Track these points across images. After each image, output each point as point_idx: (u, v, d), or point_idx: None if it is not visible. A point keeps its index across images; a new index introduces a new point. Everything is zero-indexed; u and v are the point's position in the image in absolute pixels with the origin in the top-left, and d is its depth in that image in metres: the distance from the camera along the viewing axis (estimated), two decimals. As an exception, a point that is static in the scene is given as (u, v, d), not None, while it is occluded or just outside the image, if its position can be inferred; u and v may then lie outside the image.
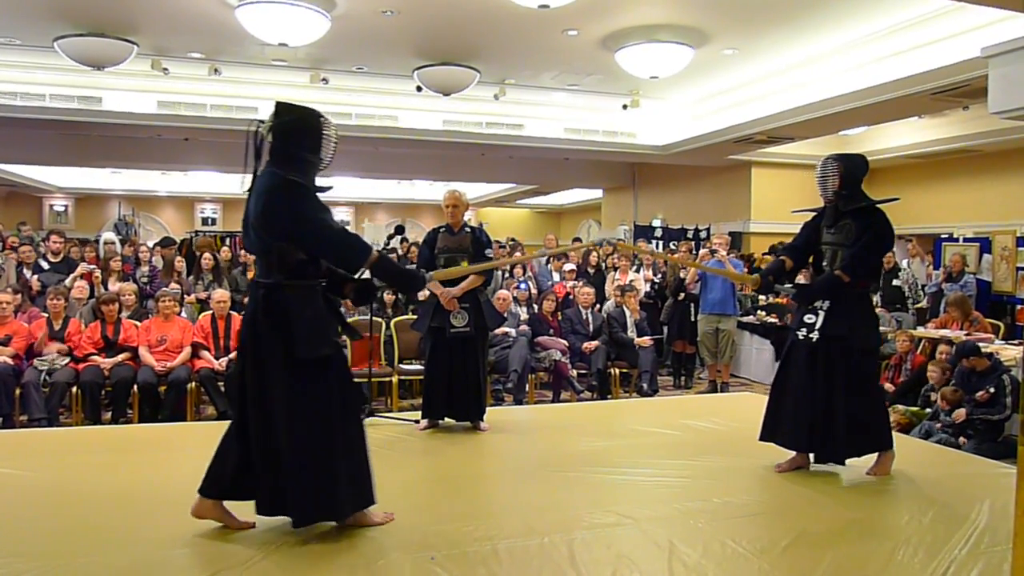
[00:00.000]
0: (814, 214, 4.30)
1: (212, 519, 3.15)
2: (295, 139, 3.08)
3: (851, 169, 4.06)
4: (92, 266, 7.92)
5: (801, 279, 4.91)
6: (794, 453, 4.14)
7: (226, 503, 3.17)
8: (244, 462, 3.08)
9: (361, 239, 3.26)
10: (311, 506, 3.05)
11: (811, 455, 4.12)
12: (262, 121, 3.12)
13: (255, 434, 3.06)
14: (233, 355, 6.61)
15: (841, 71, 8.43)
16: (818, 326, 4.00)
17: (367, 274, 3.25)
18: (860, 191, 4.10)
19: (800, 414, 4.02)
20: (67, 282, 7.28)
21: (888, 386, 6.83)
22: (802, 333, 4.07)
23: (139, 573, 2.81)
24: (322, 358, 3.06)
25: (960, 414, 5.61)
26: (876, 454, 4.11)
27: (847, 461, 4.08)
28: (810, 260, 4.32)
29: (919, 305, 9.14)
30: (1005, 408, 5.54)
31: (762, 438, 4.20)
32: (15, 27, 8.02)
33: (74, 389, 6.26)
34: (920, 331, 7.86)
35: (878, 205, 4.08)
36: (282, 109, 3.11)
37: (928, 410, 6.03)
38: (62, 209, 19.52)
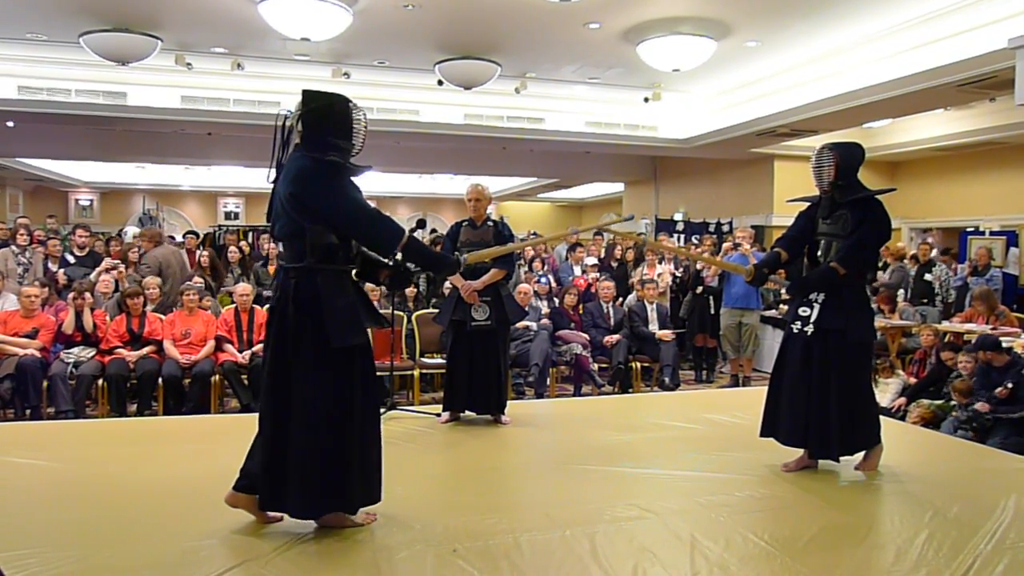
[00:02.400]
0: (809, 203, 4.20)
1: (243, 509, 3.14)
2: (325, 126, 3.04)
3: (847, 159, 3.95)
4: (116, 261, 8.02)
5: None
6: (800, 452, 4.07)
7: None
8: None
9: (394, 221, 3.20)
10: (320, 497, 3.01)
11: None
12: (290, 110, 3.09)
13: (269, 423, 3.02)
14: (256, 348, 6.70)
15: (865, 63, 8.34)
16: (813, 319, 3.92)
17: (399, 258, 3.21)
18: (857, 181, 3.99)
19: (796, 410, 3.96)
20: (92, 277, 7.37)
21: (913, 380, 6.77)
22: (797, 326, 3.99)
23: (164, 564, 2.85)
24: (351, 348, 3.01)
25: (983, 406, 5.52)
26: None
27: (842, 460, 4.00)
28: (805, 250, 4.21)
29: (948, 301, 9.06)
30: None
31: (762, 434, 4.15)
32: (41, 23, 8.11)
33: (100, 382, 6.36)
34: (945, 325, 7.79)
35: (875, 196, 3.96)
36: (310, 97, 3.06)
37: (952, 403, 5.96)
38: (87, 203, 19.77)
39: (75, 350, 6.44)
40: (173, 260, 8.02)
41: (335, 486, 3.01)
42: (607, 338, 7.82)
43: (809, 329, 3.93)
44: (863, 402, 3.96)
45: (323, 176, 2.97)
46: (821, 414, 3.88)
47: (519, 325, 7.09)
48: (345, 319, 3.01)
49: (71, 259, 8.18)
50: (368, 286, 3.80)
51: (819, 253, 4.08)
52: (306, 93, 3.08)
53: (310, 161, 2.98)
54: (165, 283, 7.52)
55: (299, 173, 2.97)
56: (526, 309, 7.09)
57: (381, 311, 7.27)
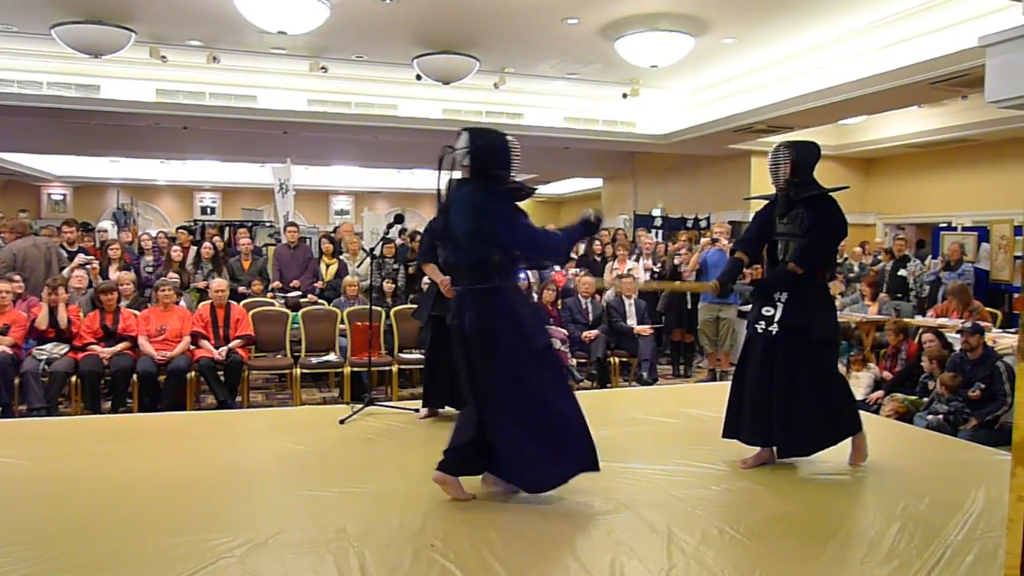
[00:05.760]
0: (766, 202, 4.21)
1: (448, 491, 3.46)
2: (491, 160, 3.42)
3: (802, 156, 3.96)
4: (91, 256, 7.91)
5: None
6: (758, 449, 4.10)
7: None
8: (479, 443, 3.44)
9: (555, 236, 3.60)
10: (536, 473, 3.45)
11: (774, 449, 4.07)
12: (451, 147, 3.44)
13: (485, 415, 3.41)
14: (233, 344, 6.66)
15: (840, 60, 8.42)
16: (777, 319, 3.93)
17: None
18: (812, 179, 3.99)
19: (759, 409, 3.96)
20: (64, 272, 7.27)
21: (886, 374, 6.85)
22: (761, 326, 3.99)
23: (138, 561, 2.83)
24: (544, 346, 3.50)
25: (976, 394, 5.60)
26: (848, 441, 4.05)
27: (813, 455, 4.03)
28: (764, 250, 4.23)
29: (921, 296, 9.19)
30: (1006, 396, 5.53)
31: (725, 435, 4.15)
32: (12, 14, 7.99)
33: (73, 378, 6.26)
34: (919, 320, 7.88)
35: (830, 193, 3.98)
36: (475, 134, 3.44)
37: (925, 399, 6.05)
38: (60, 198, 19.47)
39: (48, 346, 6.35)
40: (34, 252, 7.36)
41: (545, 464, 3.45)
42: (585, 333, 7.84)
43: (774, 329, 3.94)
44: (836, 397, 3.98)
45: (500, 207, 3.39)
46: (788, 412, 3.88)
47: (498, 320, 7.08)
48: (536, 323, 3.56)
49: (64, 254, 8.01)
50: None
51: (778, 253, 4.09)
52: (472, 131, 3.46)
53: (486, 194, 3.37)
54: (24, 274, 6.98)
55: (479, 207, 3.35)
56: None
57: (358, 306, 7.29)
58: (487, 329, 3.39)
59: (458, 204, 3.42)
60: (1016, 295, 9.46)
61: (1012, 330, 7.38)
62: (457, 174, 3.48)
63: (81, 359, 6.32)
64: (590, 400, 6.34)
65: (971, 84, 7.58)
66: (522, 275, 8.69)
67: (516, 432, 3.40)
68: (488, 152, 3.42)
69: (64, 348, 6.40)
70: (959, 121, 10.50)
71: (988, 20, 6.55)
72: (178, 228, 10.85)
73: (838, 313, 4.64)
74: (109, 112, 10.08)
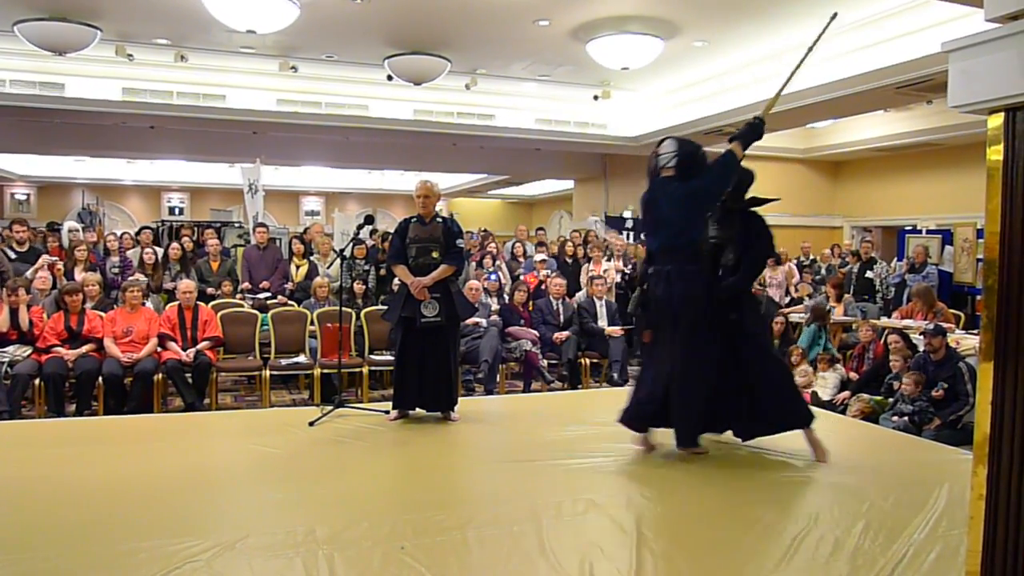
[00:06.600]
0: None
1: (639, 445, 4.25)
2: (695, 164, 4.17)
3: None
4: (54, 257, 7.77)
5: None
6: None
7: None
8: (664, 400, 4.14)
9: (725, 158, 4.17)
10: (695, 428, 4.18)
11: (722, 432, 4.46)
12: (658, 153, 4.24)
13: (681, 374, 4.07)
14: (201, 346, 6.58)
15: (809, 64, 8.50)
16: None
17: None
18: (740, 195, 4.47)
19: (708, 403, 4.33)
20: (28, 274, 7.14)
21: (852, 375, 6.94)
22: None
23: (103, 567, 2.78)
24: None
25: (939, 393, 5.73)
26: (804, 439, 4.25)
27: (768, 440, 4.36)
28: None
29: (887, 298, 9.35)
30: (968, 396, 5.63)
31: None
32: (-27, 11, 7.83)
33: (37, 381, 6.14)
34: (884, 321, 8.00)
35: (761, 206, 4.49)
36: (680, 143, 4.24)
37: (891, 399, 6.13)
38: (24, 198, 19.10)
39: (10, 348, 6.23)
40: None
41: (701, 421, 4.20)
42: (556, 335, 7.86)
43: None
44: (777, 377, 4.28)
45: (701, 195, 4.16)
46: (738, 396, 4.22)
47: (469, 321, 7.08)
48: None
49: (12, 255, 7.88)
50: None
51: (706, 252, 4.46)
52: (676, 139, 4.28)
53: (693, 189, 4.08)
54: None
55: (688, 197, 4.08)
56: (475, 306, 7.09)
57: (328, 308, 7.25)
58: (696, 301, 4.07)
59: (671, 197, 4.15)
60: (980, 297, 9.65)
61: (975, 331, 7.52)
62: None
63: (45, 361, 6.20)
64: (561, 401, 6.40)
65: (935, 89, 7.71)
66: (492, 276, 8.74)
67: (692, 391, 4.07)
68: (692, 158, 4.18)
69: (27, 350, 6.28)
70: (924, 125, 10.70)
71: (951, 26, 6.68)
72: (142, 228, 10.68)
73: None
74: (74, 111, 9.91)
